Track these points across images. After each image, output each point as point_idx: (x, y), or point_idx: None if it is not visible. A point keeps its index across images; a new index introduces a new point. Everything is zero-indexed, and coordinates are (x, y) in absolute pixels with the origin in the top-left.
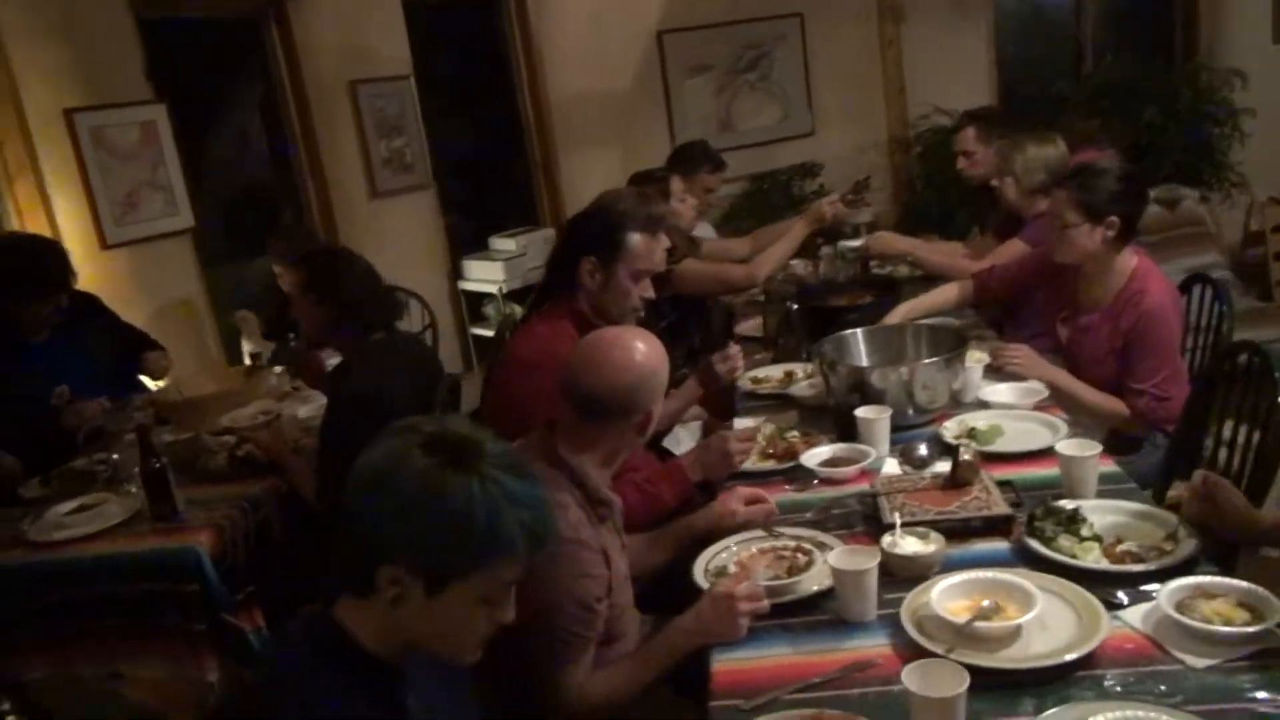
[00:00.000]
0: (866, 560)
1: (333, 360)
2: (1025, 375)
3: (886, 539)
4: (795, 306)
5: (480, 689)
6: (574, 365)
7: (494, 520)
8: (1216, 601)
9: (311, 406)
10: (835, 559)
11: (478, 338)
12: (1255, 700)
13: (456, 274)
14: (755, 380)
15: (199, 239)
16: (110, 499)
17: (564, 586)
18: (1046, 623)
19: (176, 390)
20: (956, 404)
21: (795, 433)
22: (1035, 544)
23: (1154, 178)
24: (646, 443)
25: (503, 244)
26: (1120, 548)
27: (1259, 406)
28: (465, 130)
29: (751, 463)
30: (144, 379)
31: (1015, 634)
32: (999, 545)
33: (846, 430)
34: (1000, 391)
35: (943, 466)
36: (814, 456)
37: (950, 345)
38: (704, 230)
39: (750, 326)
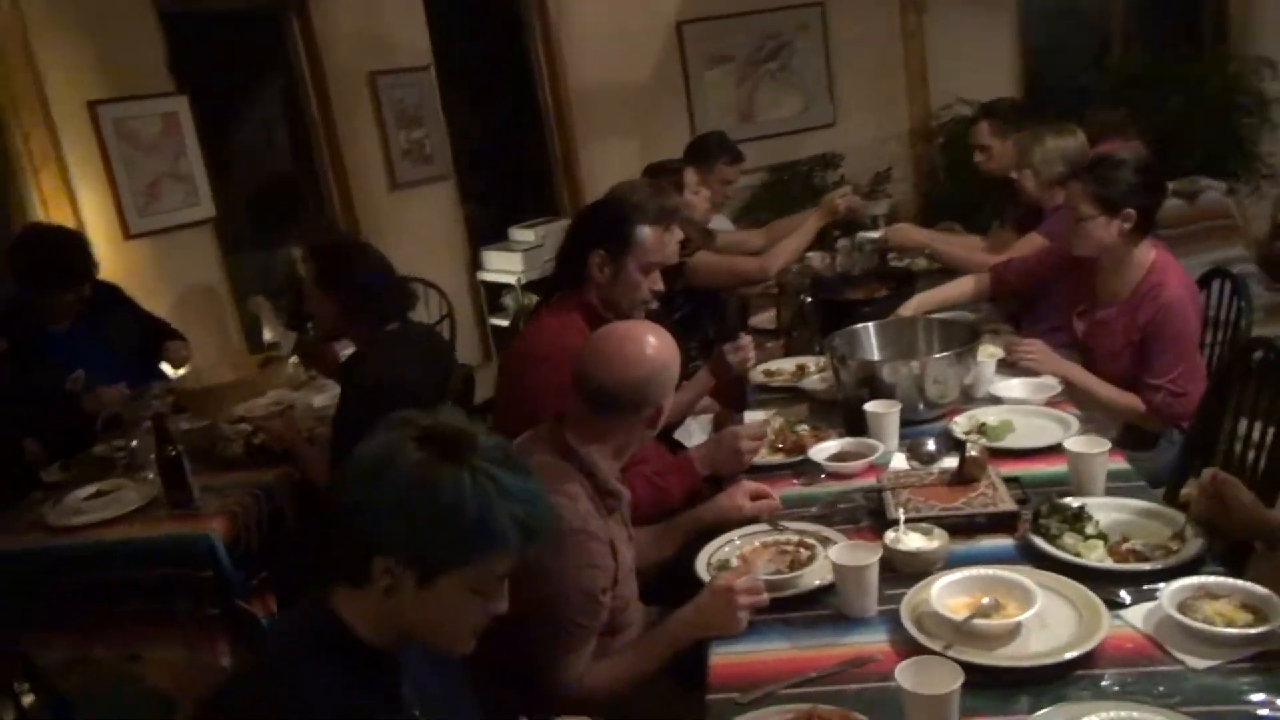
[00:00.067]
0: (868, 556)
1: (347, 350)
2: (1039, 370)
3: (890, 534)
4: (809, 299)
5: (479, 677)
6: (586, 358)
7: (485, 513)
8: (1220, 602)
9: (326, 396)
10: (836, 554)
11: (496, 328)
12: (1251, 703)
13: (476, 265)
14: (767, 373)
15: (220, 229)
16: (127, 485)
17: (570, 576)
18: (1046, 621)
19: (195, 379)
20: (968, 399)
21: (804, 426)
22: (1039, 541)
23: (1180, 169)
24: (657, 434)
25: (522, 235)
26: (1125, 546)
27: (1275, 404)
28: (485, 120)
29: (760, 456)
30: (164, 367)
31: (1014, 632)
32: (1004, 542)
33: (856, 424)
34: (1013, 387)
35: (950, 462)
36: (822, 451)
37: (962, 340)
38: (721, 222)
39: (764, 319)
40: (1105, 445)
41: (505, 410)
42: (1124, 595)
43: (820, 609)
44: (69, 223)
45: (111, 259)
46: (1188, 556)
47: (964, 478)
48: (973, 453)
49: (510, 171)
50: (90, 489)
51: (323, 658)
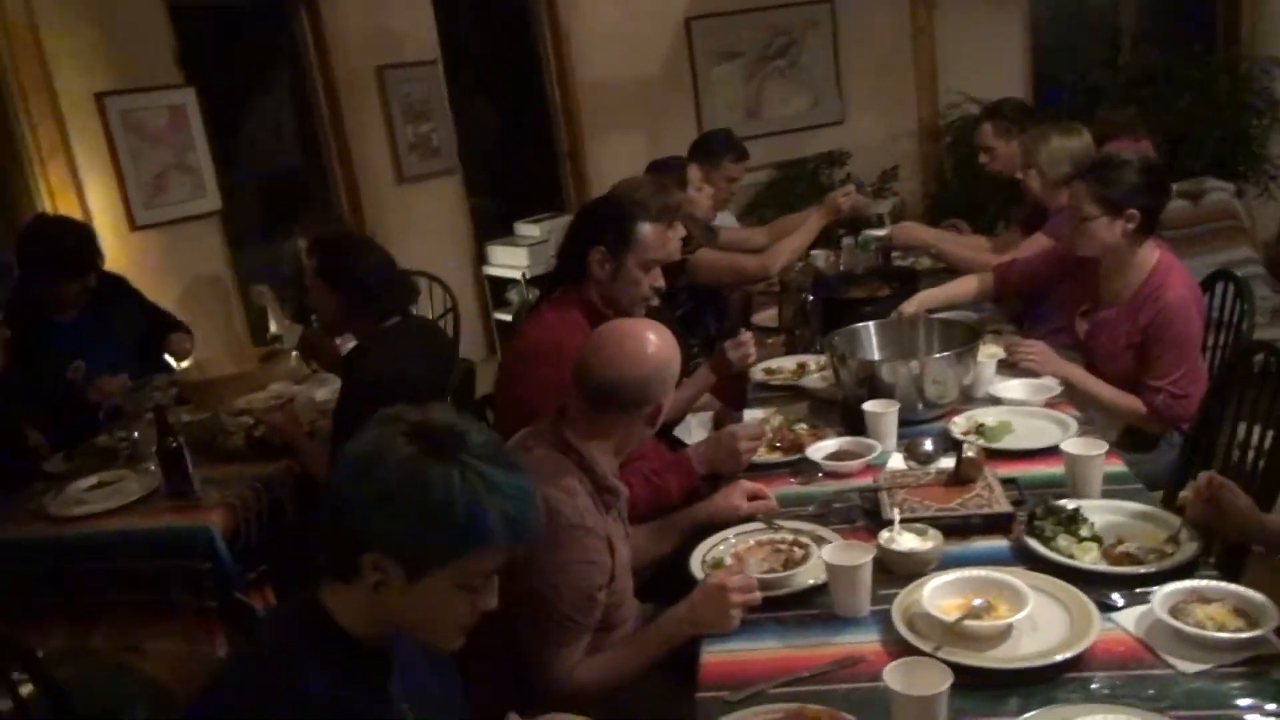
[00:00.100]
0: (860, 556)
1: (348, 344)
2: (1040, 371)
3: (884, 535)
4: (811, 298)
5: (471, 672)
6: (586, 355)
7: (474, 510)
8: (1211, 606)
9: (328, 389)
10: (829, 554)
11: (501, 323)
12: (1239, 708)
13: (481, 259)
14: (768, 371)
15: (227, 222)
16: (129, 476)
17: (567, 571)
18: (1038, 623)
19: (198, 371)
20: (967, 399)
21: (803, 425)
22: (1034, 543)
23: (1188, 170)
24: (657, 431)
25: (527, 230)
26: (1119, 549)
27: (1274, 408)
28: (492, 114)
29: (758, 454)
30: (168, 359)
31: (1005, 633)
32: (999, 543)
33: (854, 423)
34: (1012, 388)
35: (948, 462)
36: (819, 450)
37: (962, 340)
38: (726, 219)
39: (767, 316)
40: (1102, 447)
41: (504, 406)
42: (1116, 598)
43: (813, 608)
44: (76, 213)
45: (117, 250)
46: (1181, 560)
47: (960, 478)
48: (969, 453)
49: (517, 166)
50: (92, 479)
51: (311, 653)
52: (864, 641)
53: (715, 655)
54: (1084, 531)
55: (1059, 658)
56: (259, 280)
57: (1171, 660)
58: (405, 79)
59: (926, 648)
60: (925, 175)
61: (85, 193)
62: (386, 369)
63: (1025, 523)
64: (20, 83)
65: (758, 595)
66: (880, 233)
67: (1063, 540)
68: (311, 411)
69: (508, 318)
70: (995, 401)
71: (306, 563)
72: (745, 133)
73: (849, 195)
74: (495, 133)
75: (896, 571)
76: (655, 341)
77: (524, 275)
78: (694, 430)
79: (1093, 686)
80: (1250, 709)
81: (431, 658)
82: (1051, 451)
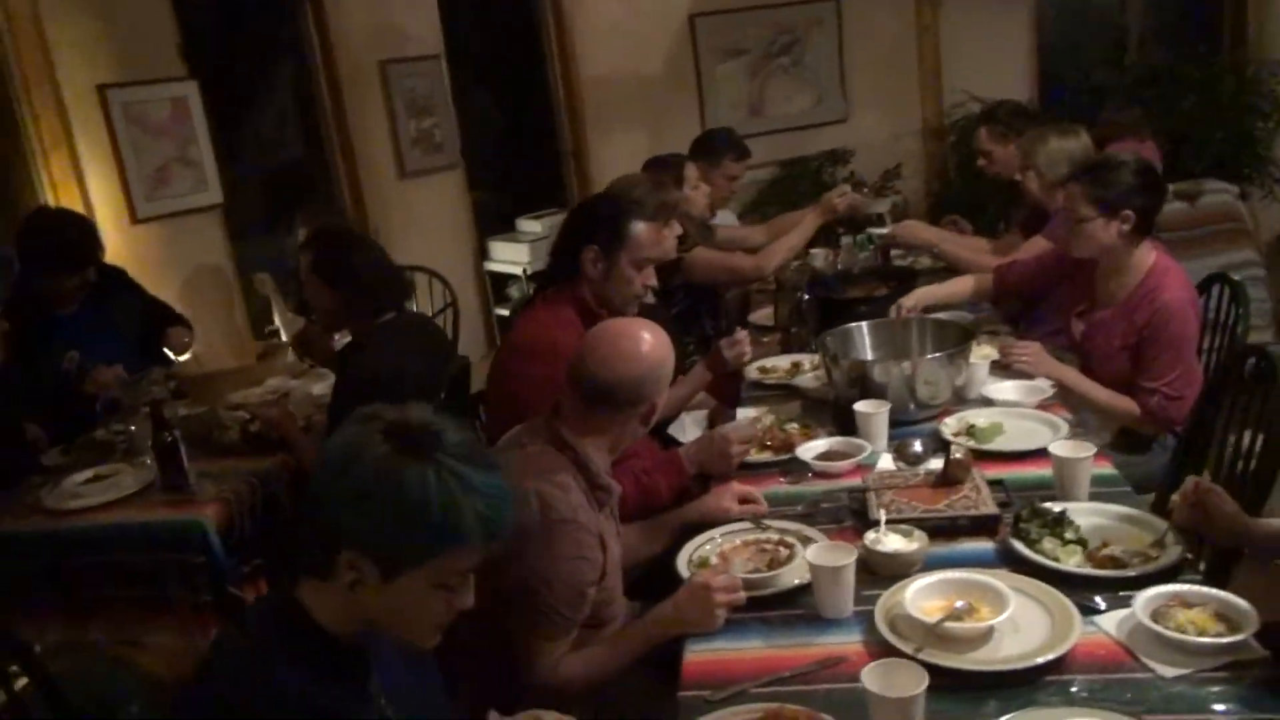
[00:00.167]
0: (843, 557)
1: (344, 340)
2: (1033, 373)
3: (870, 535)
4: (806, 297)
5: (454, 670)
6: (582, 354)
7: (449, 509)
8: (1193, 611)
9: (325, 384)
10: (812, 555)
11: (502, 319)
12: (1215, 713)
13: (483, 254)
14: (762, 370)
15: (229, 215)
16: (125, 470)
17: (558, 565)
18: (1019, 625)
19: (196, 365)
20: (960, 400)
21: (795, 424)
22: (1018, 545)
23: (1192, 171)
24: (651, 429)
25: (529, 225)
26: (1104, 552)
27: (1265, 411)
28: (495, 110)
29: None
30: (167, 352)
31: (986, 635)
32: (984, 545)
33: (846, 424)
34: (1005, 389)
35: (937, 463)
36: (810, 450)
37: (955, 341)
38: (726, 218)
39: (763, 315)
40: (1089, 450)
41: (496, 402)
42: (1099, 601)
43: (797, 608)
44: (78, 206)
45: (119, 243)
46: (1166, 564)
47: (948, 480)
48: (957, 455)
49: (519, 162)
50: (88, 473)
51: (288, 649)
52: (847, 642)
53: (698, 654)
54: (1069, 534)
55: (1039, 660)
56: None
57: (1151, 664)
58: (408, 73)
59: (907, 649)
60: (928, 174)
61: (87, 185)
62: (380, 365)
63: (1011, 525)
64: (23, 75)
65: (742, 595)
66: (883, 231)
67: (1048, 543)
68: (308, 406)
69: (509, 313)
70: (988, 403)
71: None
72: (748, 130)
73: (844, 196)
74: (498, 128)
75: (881, 572)
76: (650, 341)
77: (525, 271)
78: (688, 428)
79: (1072, 689)
80: (1227, 714)
81: (411, 657)
82: (1041, 453)
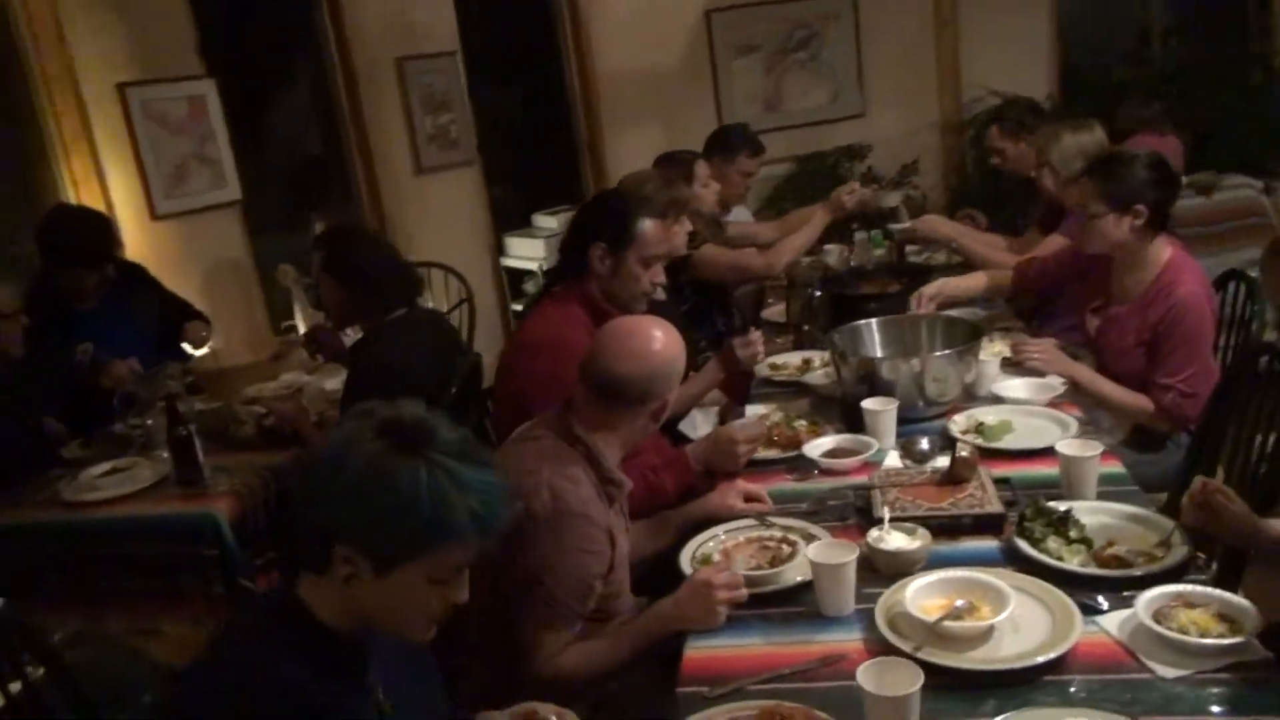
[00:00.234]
0: (844, 554)
1: (355, 336)
2: (1045, 370)
3: (873, 533)
4: (818, 293)
5: (466, 669)
6: (595, 350)
7: (440, 506)
8: (1196, 611)
9: (339, 379)
10: (813, 552)
11: (518, 314)
12: (1212, 714)
13: (499, 250)
14: (773, 366)
15: (247, 212)
16: (141, 463)
17: (566, 557)
18: (1020, 625)
19: (214, 359)
20: (969, 398)
21: (802, 421)
22: (1023, 544)
23: (1217, 167)
24: (661, 425)
25: (545, 221)
26: (1109, 551)
27: (1277, 411)
28: (511, 106)
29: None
30: (185, 347)
31: (986, 635)
32: (989, 544)
33: (854, 421)
34: (1015, 387)
35: (943, 461)
36: (816, 447)
37: (965, 338)
38: (741, 214)
39: (775, 312)
40: (1097, 449)
41: (503, 398)
42: (1101, 601)
43: (798, 606)
44: (98, 203)
45: (138, 239)
46: (1170, 564)
47: (954, 478)
48: (963, 453)
49: (536, 158)
50: (105, 466)
51: (285, 642)
52: (847, 640)
53: (699, 651)
54: (1074, 533)
55: (1038, 660)
56: (279, 268)
57: (1152, 665)
58: (425, 70)
59: (906, 648)
60: (946, 169)
61: (108, 182)
62: (389, 361)
63: (1016, 524)
64: (44, 74)
65: (743, 592)
66: (902, 226)
67: (1052, 542)
68: (321, 402)
69: (524, 309)
70: (998, 400)
71: None
72: (765, 126)
73: (853, 193)
74: (514, 124)
75: (884, 571)
76: (661, 338)
77: (541, 267)
78: (699, 425)
79: (1071, 689)
80: (1225, 715)
81: (411, 655)
82: (1049, 452)
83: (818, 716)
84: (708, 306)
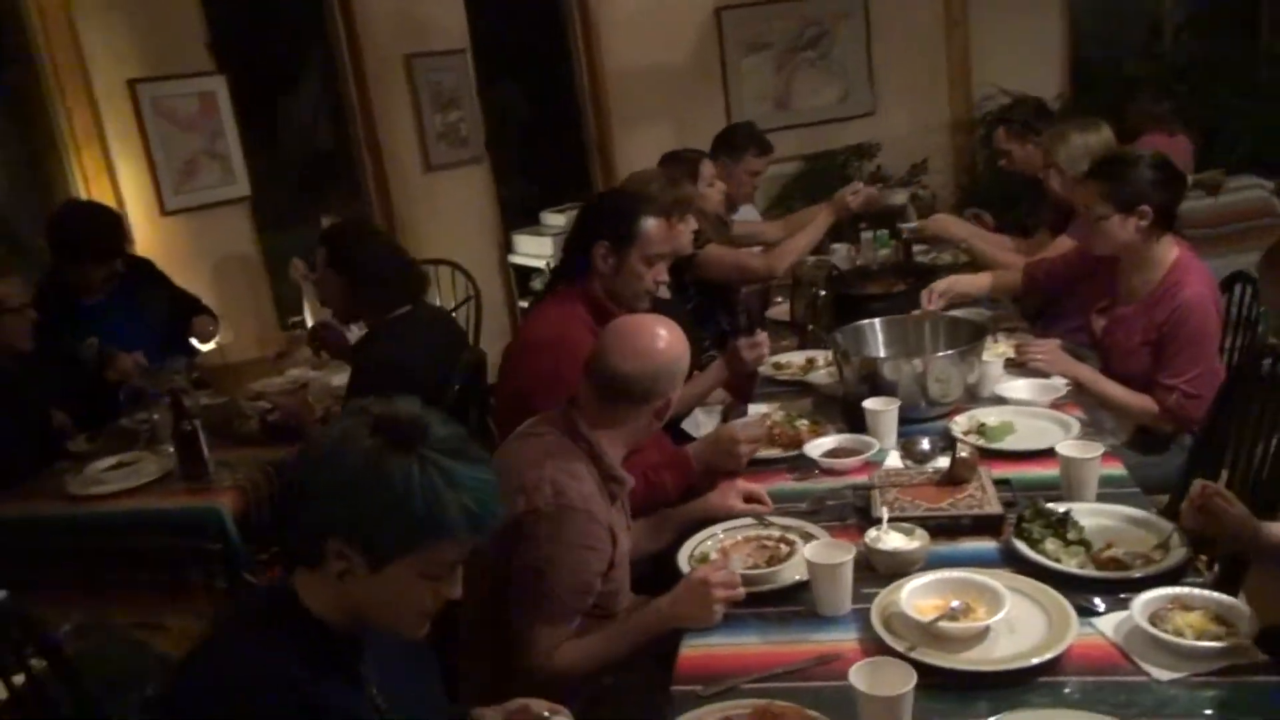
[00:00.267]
0: (841, 554)
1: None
2: (1049, 371)
3: (871, 533)
4: (822, 293)
5: (465, 670)
6: (599, 348)
7: (433, 503)
8: (1192, 614)
9: (345, 375)
10: (810, 552)
11: (526, 312)
12: (1204, 717)
13: (508, 248)
14: (776, 365)
15: (256, 207)
16: (147, 457)
17: (566, 552)
18: (1015, 626)
19: (220, 354)
20: (972, 398)
21: (804, 421)
22: (1021, 545)
23: (1228, 165)
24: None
25: (553, 219)
26: (1107, 553)
27: (1279, 414)
28: (521, 103)
29: None
30: (193, 341)
31: (981, 635)
32: (987, 544)
33: (856, 421)
34: (1018, 388)
35: (944, 462)
36: (817, 447)
37: (968, 338)
38: (748, 214)
39: (780, 310)
40: (1097, 450)
41: (505, 396)
42: (1098, 603)
43: (795, 605)
44: (109, 198)
45: (148, 234)
46: (1168, 566)
47: (954, 478)
48: (963, 454)
49: (545, 155)
50: (111, 460)
51: (279, 635)
52: (843, 640)
53: (695, 649)
54: (1072, 535)
55: (1033, 661)
56: (288, 263)
57: (1147, 667)
58: (434, 67)
59: (901, 648)
60: (957, 169)
61: (118, 178)
62: (390, 358)
63: (1014, 525)
64: (56, 70)
65: (740, 591)
66: (913, 225)
67: (1050, 543)
68: (326, 397)
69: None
70: (1001, 401)
71: None
72: (774, 124)
73: (857, 194)
74: (523, 121)
75: (881, 571)
76: (666, 337)
77: (548, 265)
78: (702, 424)
79: (1065, 691)
80: (1218, 718)
81: (409, 652)
82: (1049, 453)
83: (811, 716)
84: (712, 306)
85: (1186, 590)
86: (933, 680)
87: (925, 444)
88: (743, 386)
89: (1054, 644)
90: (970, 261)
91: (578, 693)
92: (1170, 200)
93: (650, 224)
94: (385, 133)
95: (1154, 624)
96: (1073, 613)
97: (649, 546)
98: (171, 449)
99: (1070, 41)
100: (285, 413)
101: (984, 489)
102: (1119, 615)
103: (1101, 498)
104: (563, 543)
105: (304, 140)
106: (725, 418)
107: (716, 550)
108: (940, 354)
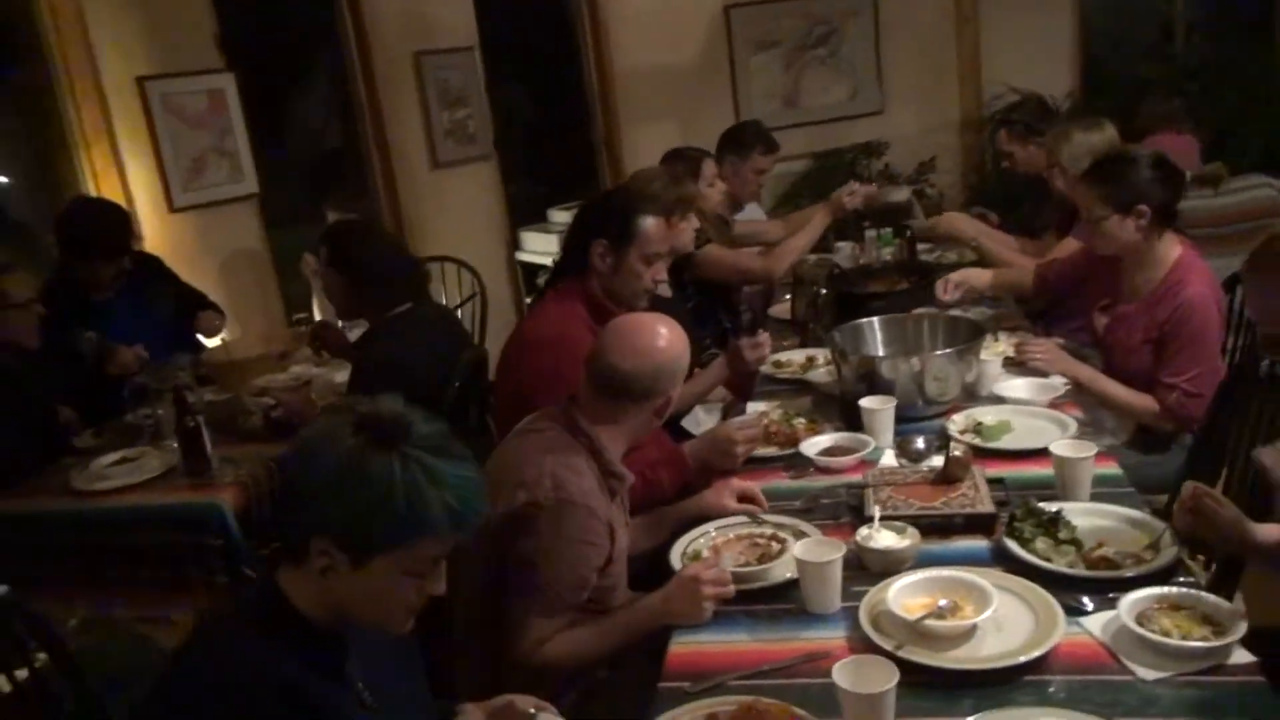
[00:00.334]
0: (830, 553)
1: (357, 331)
2: (1048, 370)
3: (863, 531)
4: (823, 291)
5: (459, 669)
6: (600, 345)
7: (415, 501)
8: (1180, 614)
9: (348, 372)
10: (800, 550)
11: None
12: (1188, 718)
13: (515, 245)
14: (776, 364)
15: (265, 205)
16: (151, 453)
17: (562, 546)
18: (1003, 625)
19: (224, 351)
20: (970, 397)
21: (801, 419)
22: (1012, 544)
23: (1237, 166)
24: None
25: (561, 217)
26: (1098, 553)
27: (1277, 415)
28: (529, 101)
29: None
30: (199, 337)
31: (967, 634)
32: (978, 543)
33: (853, 419)
34: (1017, 387)
35: (939, 461)
36: (813, 445)
37: (966, 337)
38: (754, 212)
39: (781, 308)
40: (1091, 450)
41: (504, 394)
42: (1086, 602)
43: (785, 603)
44: (118, 195)
45: (157, 231)
46: (1158, 566)
47: (947, 477)
48: (956, 453)
49: (553, 153)
50: (115, 455)
51: (264, 630)
52: (831, 638)
53: (684, 646)
54: (1063, 534)
55: (1019, 660)
56: (296, 261)
57: (1133, 666)
58: (442, 65)
59: (888, 646)
60: (965, 167)
61: (127, 175)
62: (393, 354)
63: (1006, 524)
64: (65, 67)
65: (730, 588)
66: (918, 222)
67: (1041, 543)
68: (330, 394)
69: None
70: (999, 400)
71: None
72: (782, 122)
73: (854, 194)
74: (531, 119)
75: (873, 569)
76: (667, 335)
77: (554, 263)
78: (702, 422)
79: (1050, 690)
80: (1201, 718)
81: (395, 650)
82: (1043, 453)
83: (796, 713)
84: (712, 304)
85: (1175, 590)
86: (919, 678)
87: (920, 443)
88: (743, 385)
89: (1040, 643)
90: (977, 260)
91: (571, 687)
92: (1169, 198)
93: (649, 223)
94: (393, 130)
95: (1141, 624)
96: (1060, 612)
97: (645, 544)
98: (174, 445)
99: (1081, 40)
100: (288, 409)
101: (977, 488)
102: (1106, 615)
103: (1096, 497)
104: (562, 537)
105: (312, 137)
106: (725, 415)
107: (709, 548)
108: (938, 353)
